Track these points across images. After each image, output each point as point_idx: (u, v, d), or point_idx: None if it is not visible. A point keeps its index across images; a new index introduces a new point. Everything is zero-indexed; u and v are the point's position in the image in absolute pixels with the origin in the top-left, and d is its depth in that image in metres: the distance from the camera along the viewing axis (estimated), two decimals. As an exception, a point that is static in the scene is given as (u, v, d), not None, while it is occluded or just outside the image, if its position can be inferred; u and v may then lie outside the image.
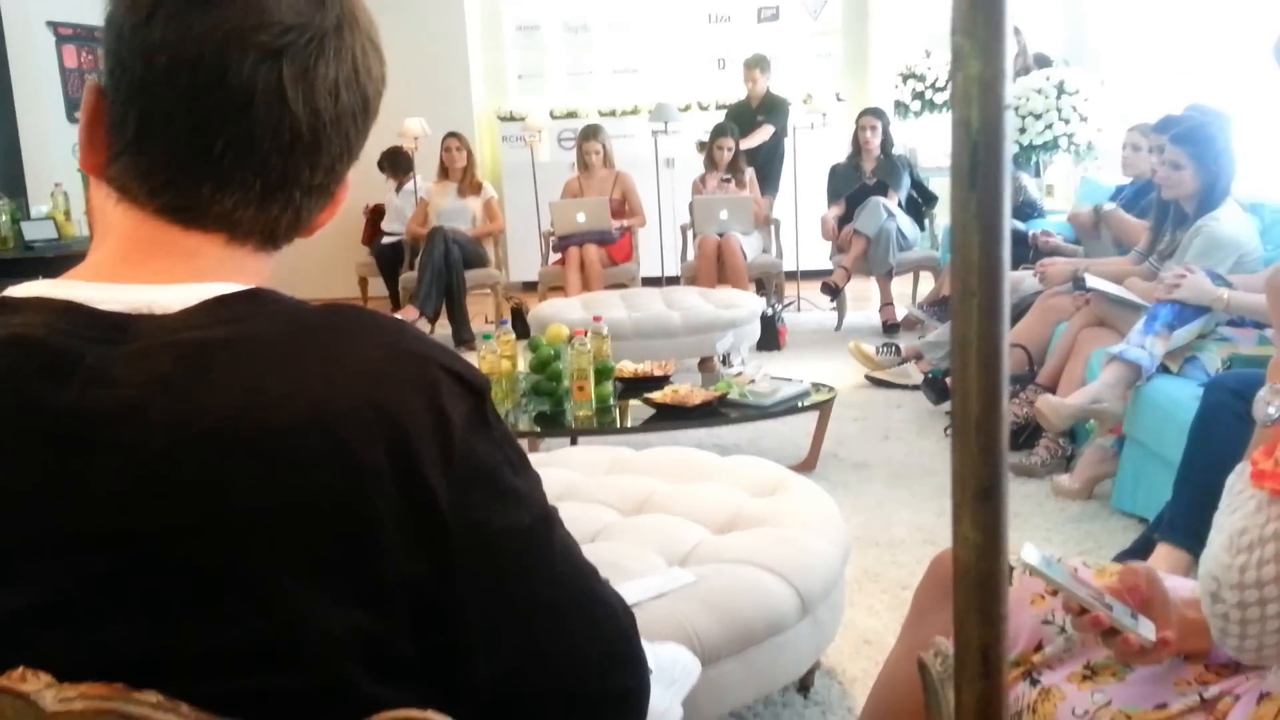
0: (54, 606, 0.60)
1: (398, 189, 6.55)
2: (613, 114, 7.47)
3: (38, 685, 0.58)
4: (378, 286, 6.55)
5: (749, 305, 4.55)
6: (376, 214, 6.40)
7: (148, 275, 0.67)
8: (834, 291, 5.46)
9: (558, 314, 4.29)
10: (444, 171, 5.95)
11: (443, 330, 5.80)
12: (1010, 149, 0.37)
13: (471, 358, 3.66)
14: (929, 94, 6.99)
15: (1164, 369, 2.75)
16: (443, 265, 5.47)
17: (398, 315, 5.82)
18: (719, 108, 7.22)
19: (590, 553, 0.79)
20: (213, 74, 0.64)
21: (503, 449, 0.70)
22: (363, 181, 6.70)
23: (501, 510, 0.68)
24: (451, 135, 5.91)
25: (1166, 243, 3.29)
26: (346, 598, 0.62)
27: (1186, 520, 2.09)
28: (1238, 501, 1.02)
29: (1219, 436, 2.03)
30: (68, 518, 0.60)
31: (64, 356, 0.62)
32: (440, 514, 0.64)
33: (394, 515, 0.62)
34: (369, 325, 0.66)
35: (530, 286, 6.61)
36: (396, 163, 6.56)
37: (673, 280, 5.98)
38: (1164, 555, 2.17)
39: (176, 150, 0.66)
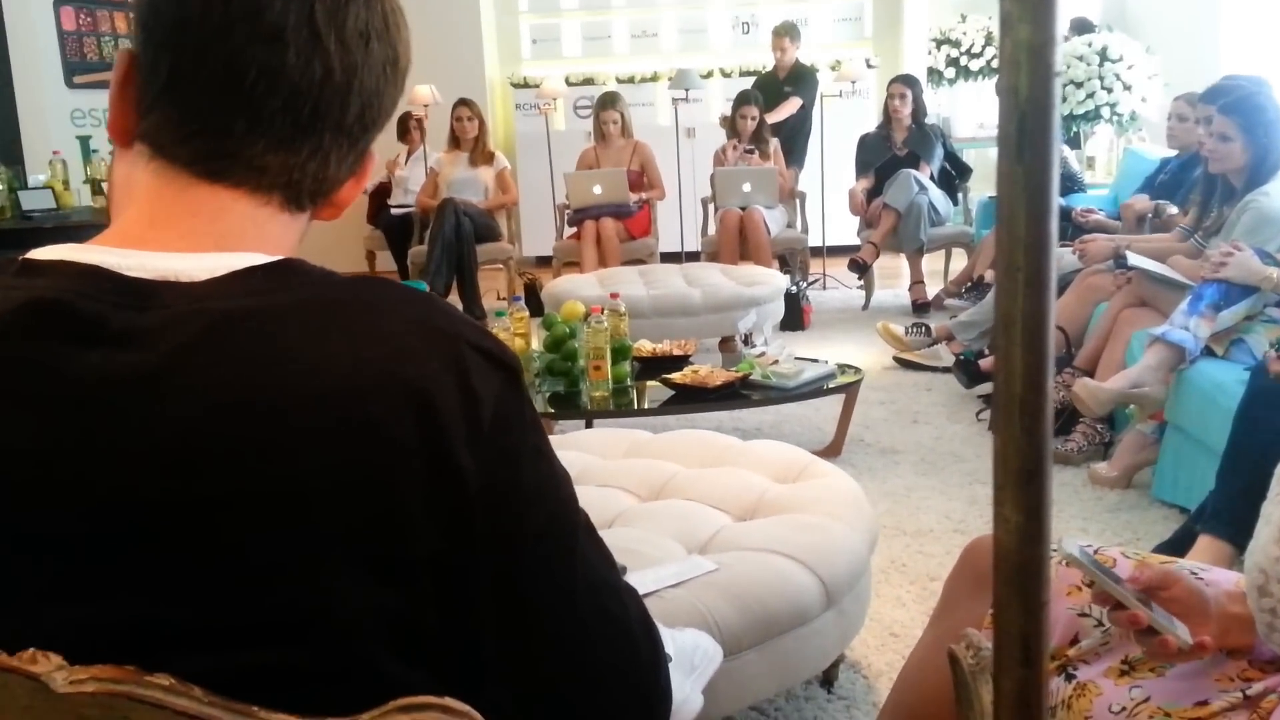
0: (73, 574, 0.61)
1: (407, 157, 6.55)
2: (631, 81, 7.44)
3: (48, 666, 0.59)
4: (385, 260, 6.57)
5: (772, 282, 4.54)
6: (379, 193, 6.43)
7: (174, 241, 0.67)
8: (862, 268, 5.44)
9: (573, 290, 4.29)
10: (455, 141, 5.95)
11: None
12: (1058, 119, 0.37)
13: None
14: (964, 60, 6.94)
15: (1208, 352, 2.73)
16: (453, 238, 5.49)
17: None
18: (744, 74, 7.18)
19: (607, 539, 0.80)
20: (247, 6, 0.66)
21: (534, 433, 0.70)
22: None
23: (527, 497, 0.69)
24: (462, 103, 5.90)
25: (1213, 218, 3.26)
26: (371, 574, 0.63)
27: (1230, 510, 2.08)
28: (1287, 490, 1.02)
29: (1266, 423, 2.02)
30: (90, 485, 0.61)
31: (90, 321, 0.63)
32: (468, 492, 0.65)
33: (420, 492, 0.63)
34: (397, 299, 0.67)
35: (544, 261, 6.61)
36: (406, 129, 6.56)
37: (693, 256, 5.97)
38: (1206, 547, 2.16)
39: (210, 88, 0.67)
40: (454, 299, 5.73)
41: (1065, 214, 4.35)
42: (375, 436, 0.62)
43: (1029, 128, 0.38)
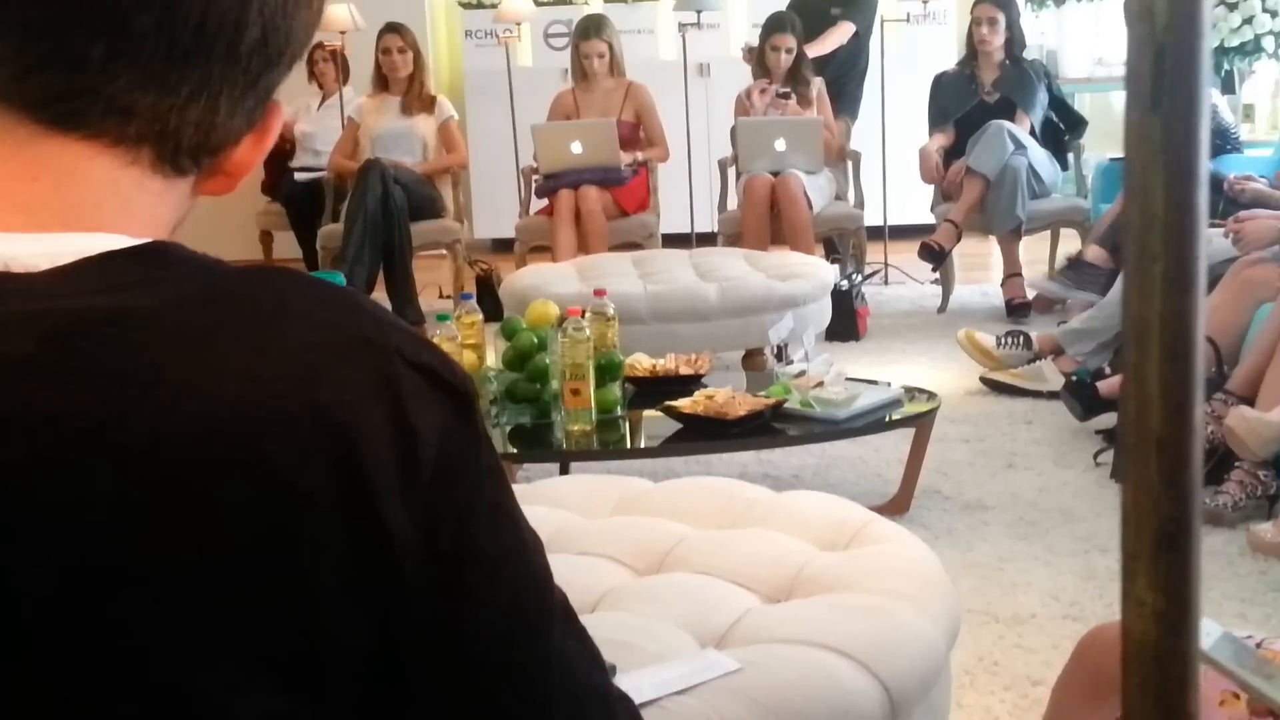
0: None
1: (319, 104, 6.57)
2: (623, 0, 7.47)
3: None
4: (286, 244, 6.58)
5: (815, 275, 4.55)
6: (278, 155, 6.47)
7: (4, 218, 0.67)
8: (938, 256, 5.46)
9: (543, 285, 4.30)
10: (382, 81, 5.98)
11: (378, 307, 5.81)
12: (1208, 53, 0.37)
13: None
14: (1076, -26, 6.98)
15: None
16: (379, 213, 5.50)
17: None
18: (775, -8, 7.22)
19: (591, 627, 0.81)
20: None
21: (490, 480, 0.70)
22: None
23: (482, 572, 0.69)
24: (390, 29, 5.93)
25: None
26: (264, 675, 0.63)
27: None
28: None
29: None
30: None
31: None
32: (396, 564, 0.65)
33: (335, 563, 0.63)
34: (309, 298, 0.68)
35: (504, 246, 6.63)
36: (314, 65, 6.58)
37: (707, 239, 5.99)
38: None
39: (57, 0, 0.67)
40: (380, 296, 5.74)
41: (1215, 183, 4.37)
42: (273, 486, 0.62)
43: (1169, 65, 0.38)
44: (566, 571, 2.13)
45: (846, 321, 5.04)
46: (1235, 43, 5.56)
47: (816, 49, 5.88)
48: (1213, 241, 3.91)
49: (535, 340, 3.34)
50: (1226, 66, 5.71)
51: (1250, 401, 3.18)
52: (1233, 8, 5.57)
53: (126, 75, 0.68)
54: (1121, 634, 0.41)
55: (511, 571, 0.71)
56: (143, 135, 0.70)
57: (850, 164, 5.93)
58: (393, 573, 0.65)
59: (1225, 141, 5.07)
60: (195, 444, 0.62)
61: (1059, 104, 5.72)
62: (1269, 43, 5.54)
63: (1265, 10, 5.55)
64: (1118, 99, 7.31)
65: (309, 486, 0.63)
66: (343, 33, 6.31)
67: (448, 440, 0.67)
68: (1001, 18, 5.57)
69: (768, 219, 5.47)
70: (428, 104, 5.96)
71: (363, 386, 0.65)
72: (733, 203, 5.80)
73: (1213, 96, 5.09)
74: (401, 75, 5.90)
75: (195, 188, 0.75)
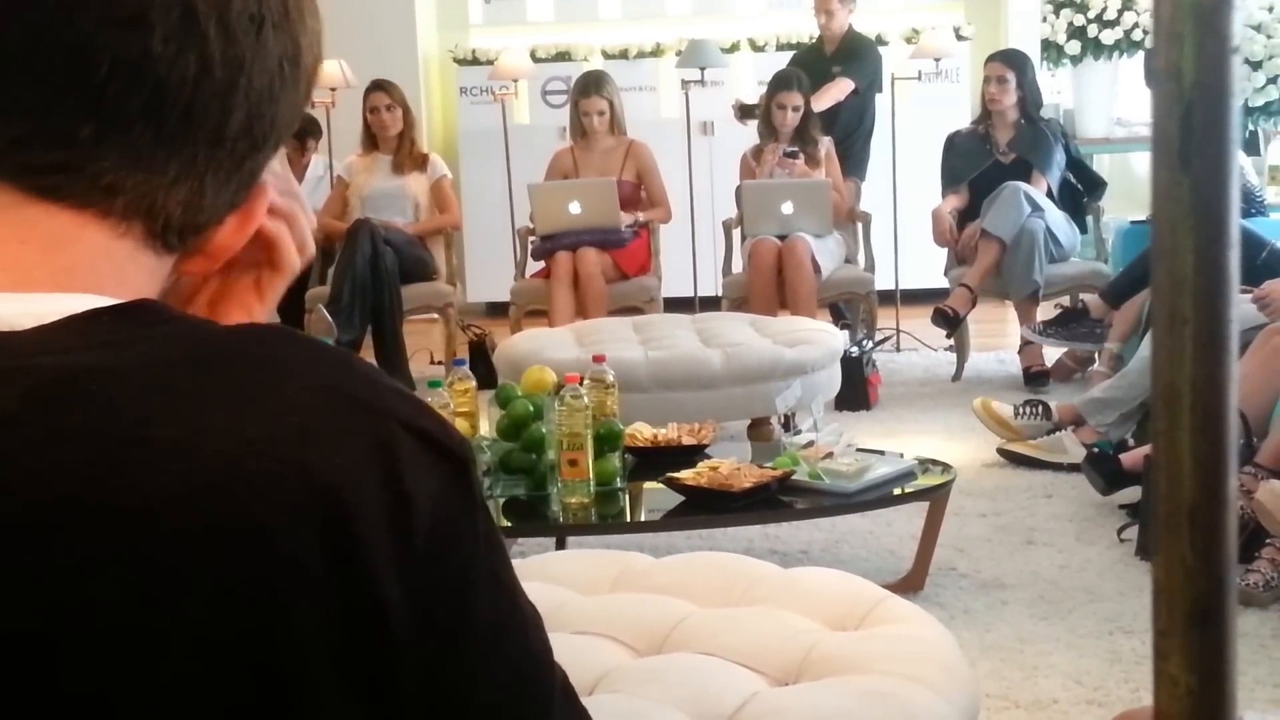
0: None
1: (298, 178, 6.62)
2: (624, 56, 7.56)
3: None
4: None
5: (824, 341, 4.56)
6: None
7: None
8: (952, 322, 5.48)
9: (539, 351, 4.31)
10: (371, 140, 6.03)
11: (366, 374, 5.81)
12: (1238, 111, 0.38)
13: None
14: (1093, 31, 7.07)
15: None
16: (368, 275, 5.52)
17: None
18: (781, 48, 7.31)
19: (589, 710, 0.80)
20: None
21: (488, 550, 0.70)
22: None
23: (481, 647, 0.69)
24: (377, 87, 5.98)
25: None
26: None
27: None
28: None
29: None
30: None
31: None
32: (394, 638, 0.65)
33: (326, 636, 0.63)
34: (302, 358, 0.68)
35: (498, 310, 6.65)
36: (304, 130, 6.65)
37: (711, 303, 6.01)
38: None
39: (47, 79, 0.68)
40: (369, 361, 5.74)
41: (1254, 245, 4.39)
42: (262, 553, 0.62)
43: (1197, 123, 0.39)
44: (563, 651, 2.11)
45: (857, 390, 5.05)
46: (1260, 103, 5.62)
47: (814, 105, 5.93)
48: (1239, 307, 3.93)
49: (531, 408, 3.34)
50: (1251, 127, 5.77)
51: (1280, 475, 3.18)
52: (1257, 66, 5.64)
53: (114, 155, 0.69)
54: (1154, 716, 0.41)
55: (510, 646, 0.71)
56: (130, 210, 0.71)
57: (860, 226, 5.97)
58: (386, 646, 0.65)
59: (1251, 204, 5.10)
60: (181, 506, 0.62)
61: (1077, 165, 5.77)
62: (1294, 102, 5.60)
63: (1290, 69, 5.61)
64: (1138, 160, 7.38)
65: (299, 553, 0.63)
66: (333, 90, 6.38)
67: (444, 508, 0.67)
68: (1012, 76, 5.62)
69: (775, 283, 5.49)
70: (419, 162, 6.00)
71: (356, 450, 0.65)
72: (737, 265, 5.83)
73: (1240, 158, 5.14)
74: (391, 133, 5.95)
75: (176, 267, 0.76)
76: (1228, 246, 0.39)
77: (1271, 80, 5.57)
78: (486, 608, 0.69)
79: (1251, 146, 5.63)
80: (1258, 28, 5.64)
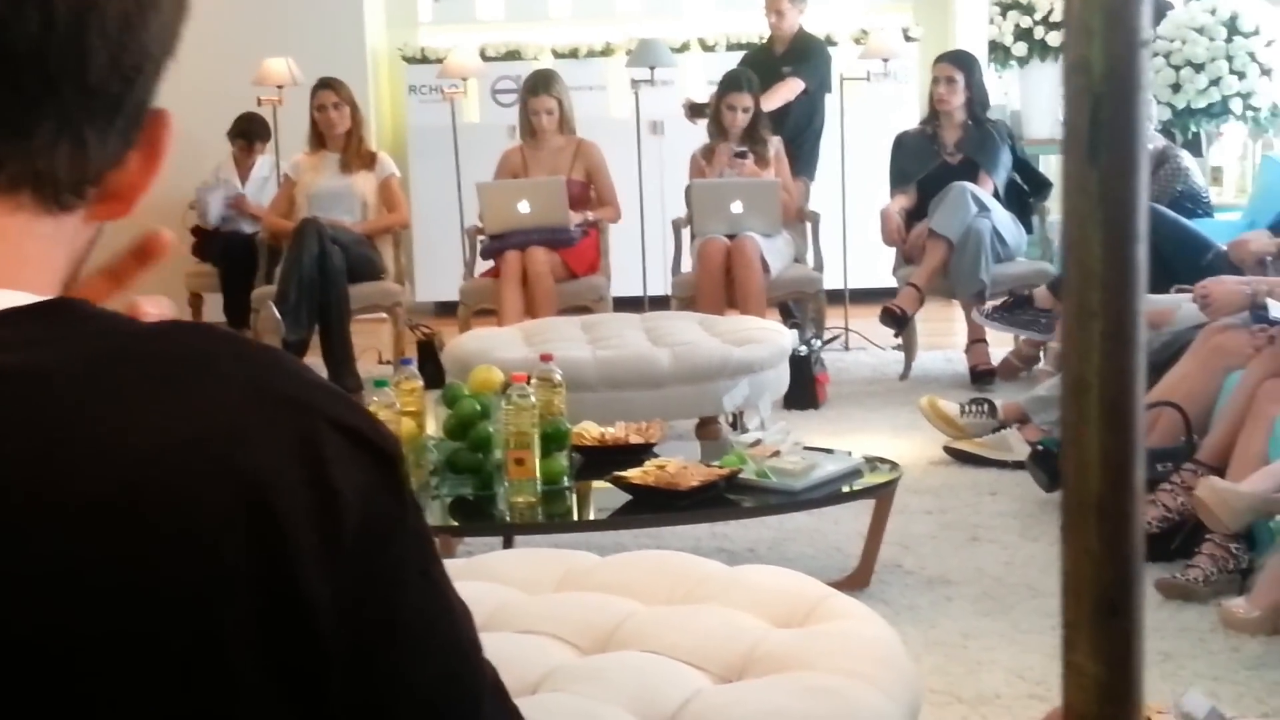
0: None
1: (243, 178, 6.58)
2: (574, 55, 7.54)
3: None
4: (218, 306, 6.55)
5: (772, 340, 4.57)
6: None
7: None
8: (899, 321, 5.51)
9: (487, 351, 4.29)
10: (318, 138, 5.99)
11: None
12: (1151, 107, 0.38)
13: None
14: (1040, 32, 7.12)
15: (1385, 441, 2.79)
16: (315, 274, 5.49)
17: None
18: (731, 48, 7.32)
19: (532, 710, 0.80)
20: None
21: (417, 547, 0.70)
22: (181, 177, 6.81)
23: (410, 648, 0.68)
24: (325, 85, 5.94)
25: (1387, 255, 3.36)
26: None
27: None
28: None
29: None
30: None
31: None
32: (320, 636, 0.64)
33: (250, 633, 0.63)
34: (226, 354, 0.67)
35: (447, 309, 6.63)
36: (251, 131, 6.61)
37: (660, 303, 6.01)
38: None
39: None
40: (315, 361, 5.71)
41: (1199, 246, 4.44)
42: (189, 552, 0.62)
43: (1106, 119, 0.39)
44: (507, 650, 2.12)
45: (805, 388, 5.06)
46: (1202, 104, 5.68)
47: (764, 104, 5.94)
48: (1182, 308, 3.97)
49: (478, 408, 3.33)
50: (1194, 129, 5.83)
51: (1220, 471, 3.22)
52: (1200, 69, 5.70)
53: None
54: (1063, 707, 0.41)
55: (440, 642, 0.71)
56: (14, 183, 0.69)
57: (809, 225, 5.99)
58: (314, 644, 0.64)
59: (1197, 205, 5.16)
60: (106, 507, 0.61)
61: (1023, 165, 5.81)
62: (1236, 105, 5.66)
63: (1232, 72, 5.67)
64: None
65: (225, 552, 0.62)
66: (280, 87, 6.33)
67: (372, 505, 0.67)
68: (960, 77, 5.66)
69: (723, 283, 5.50)
70: (367, 161, 5.96)
71: (283, 447, 0.65)
72: (687, 265, 5.83)
73: (1182, 158, 5.20)
74: (338, 132, 5.91)
75: (88, 217, 0.74)
76: (1136, 240, 0.40)
77: (1214, 82, 5.63)
78: (416, 604, 0.69)
79: (1194, 148, 5.69)
80: (1200, 30, 5.70)
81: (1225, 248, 4.31)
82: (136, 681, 0.61)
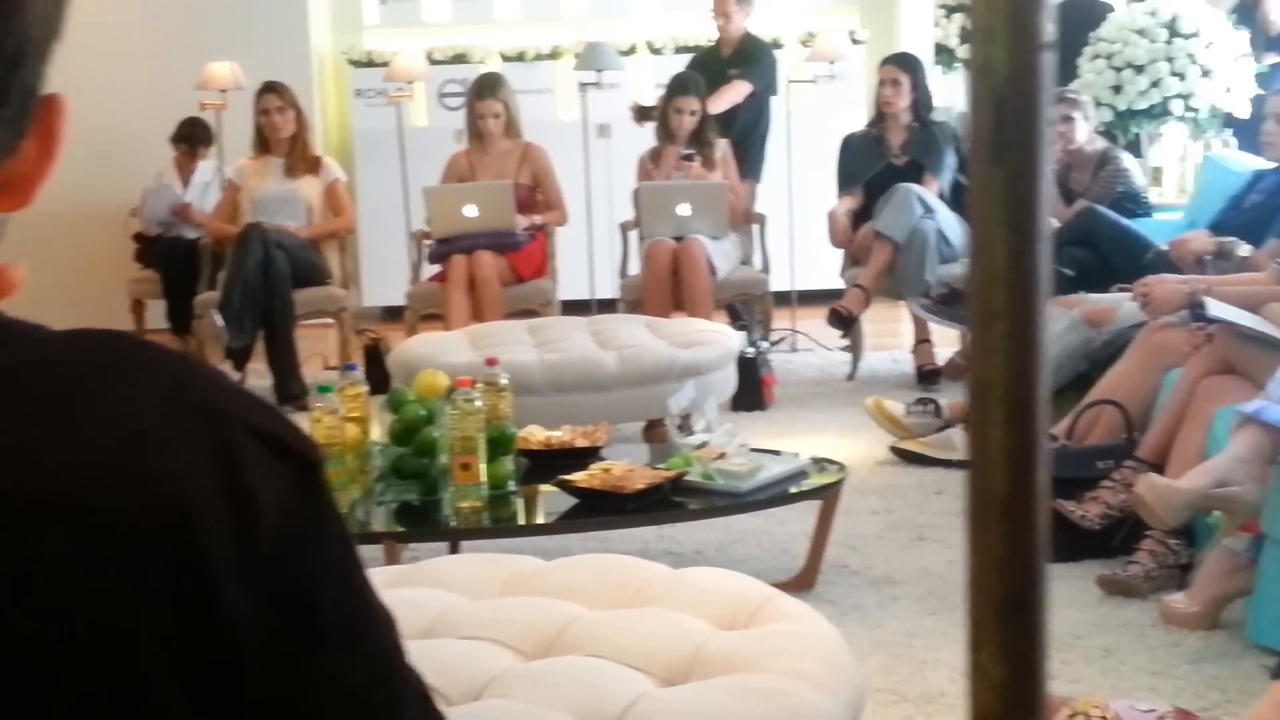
0: None
1: (186, 183, 6.52)
2: (521, 59, 7.53)
3: None
4: (161, 313, 6.49)
5: (719, 342, 4.58)
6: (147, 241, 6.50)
7: None
8: (846, 322, 5.53)
9: (433, 355, 4.28)
10: (263, 143, 5.94)
11: (259, 382, 5.73)
12: (1051, 107, 0.38)
13: (302, 421, 3.62)
14: (983, 36, 7.18)
15: (1320, 437, 2.82)
16: (259, 280, 5.44)
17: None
18: (679, 50, 7.32)
19: (474, 716, 0.79)
20: None
21: (337, 553, 0.69)
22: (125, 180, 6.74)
23: (330, 655, 0.68)
24: (269, 89, 5.89)
25: (1322, 253, 3.40)
26: None
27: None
28: None
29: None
30: None
31: None
32: (237, 645, 0.63)
33: (166, 643, 0.62)
34: (139, 362, 0.66)
35: (395, 314, 6.59)
36: (194, 136, 6.55)
37: (608, 306, 6.01)
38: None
39: None
40: (260, 367, 5.66)
41: (1139, 246, 4.48)
42: (101, 562, 0.61)
43: (1009, 119, 0.39)
44: (451, 657, 2.11)
45: (752, 390, 5.07)
46: (1143, 106, 5.73)
47: (710, 107, 5.96)
48: (1122, 307, 4.01)
49: (423, 413, 3.32)
50: (1135, 130, 5.89)
51: (1160, 468, 3.25)
52: (1140, 70, 5.75)
53: None
54: (969, 709, 0.41)
55: (361, 650, 0.70)
56: None
57: (756, 227, 6.00)
58: (230, 653, 0.63)
59: (1137, 205, 5.21)
60: (18, 516, 0.60)
61: (967, 167, 5.83)
62: (1176, 106, 5.72)
63: (1173, 74, 5.73)
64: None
65: (138, 562, 0.61)
66: (224, 91, 6.28)
67: (291, 511, 0.66)
68: (905, 79, 5.69)
69: (670, 285, 5.50)
70: (312, 165, 5.92)
71: (197, 454, 0.64)
72: (634, 267, 5.83)
73: (1125, 160, 5.25)
74: (283, 136, 5.86)
75: None
76: (1039, 241, 0.40)
77: (1154, 84, 5.69)
78: (336, 612, 0.68)
79: (1135, 149, 5.75)
80: (1141, 32, 5.75)
81: (1165, 247, 4.35)
82: (48, 690, 0.60)
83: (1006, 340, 0.39)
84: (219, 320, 5.32)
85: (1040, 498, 0.40)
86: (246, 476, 0.64)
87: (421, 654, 2.11)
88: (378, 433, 3.51)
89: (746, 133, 6.24)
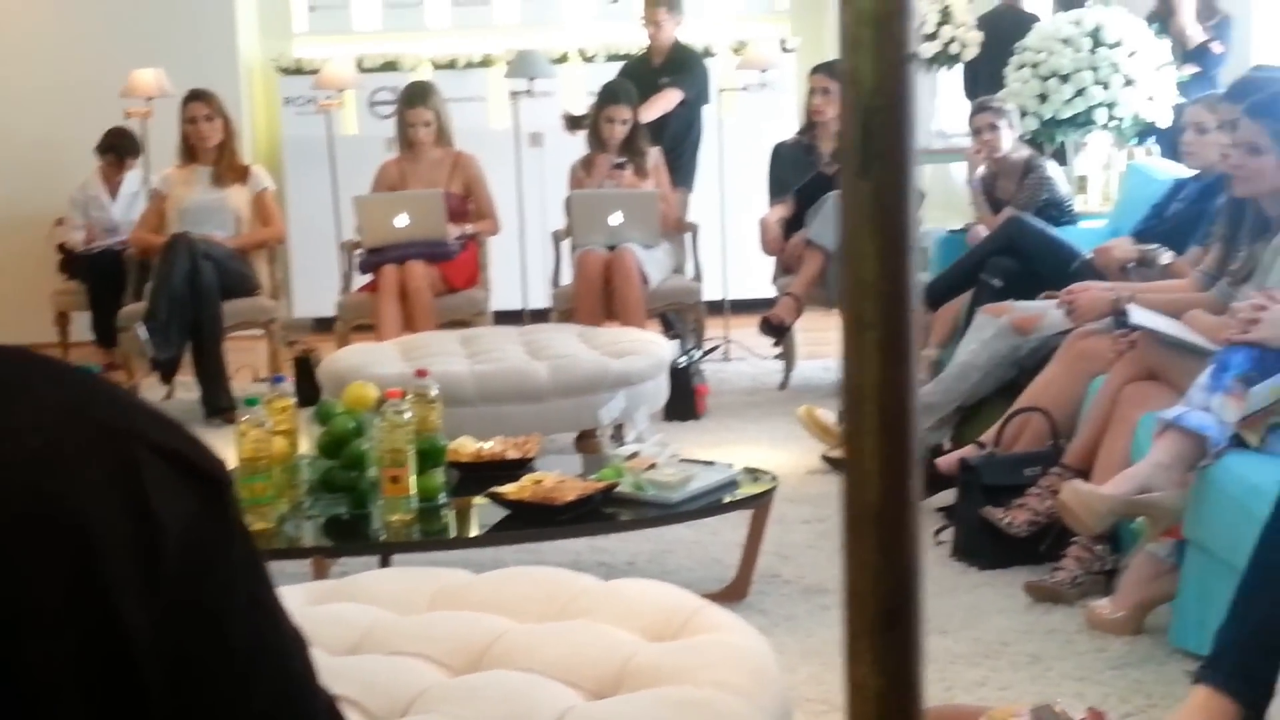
0: None
1: (113, 194, 6.44)
2: (452, 66, 7.50)
3: None
4: (85, 324, 6.40)
5: (651, 352, 4.59)
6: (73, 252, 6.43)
7: None
8: (778, 331, 5.55)
9: (364, 366, 4.25)
10: (190, 152, 5.87)
11: (187, 394, 5.67)
12: (917, 118, 0.38)
13: (229, 435, 3.58)
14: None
15: (1238, 441, 2.86)
16: (186, 291, 5.37)
17: (112, 369, 5.69)
18: (611, 58, 7.33)
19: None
20: None
21: (245, 574, 0.69)
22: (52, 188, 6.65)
23: (236, 678, 0.67)
24: (195, 97, 5.82)
25: (1241, 260, 3.46)
26: None
27: (1240, 655, 2.17)
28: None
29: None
30: None
31: None
32: (137, 666, 0.63)
33: (66, 666, 0.61)
34: (40, 378, 0.66)
35: (326, 325, 6.54)
36: (120, 146, 6.47)
37: (541, 315, 6.00)
38: (1203, 704, 2.24)
39: None
40: (188, 380, 5.59)
41: (1065, 254, 4.53)
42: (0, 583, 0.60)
43: (877, 130, 0.39)
44: (377, 672, 2.09)
45: (685, 400, 5.08)
46: (1068, 115, 5.81)
47: (642, 115, 5.97)
48: (1048, 315, 4.05)
49: (352, 425, 3.29)
50: (1060, 138, 5.96)
51: (1086, 474, 3.28)
52: (1065, 79, 5.82)
53: None
54: (847, 716, 0.41)
55: (269, 672, 0.70)
56: None
57: (688, 236, 6.01)
58: (132, 676, 0.63)
59: (1061, 213, 5.26)
60: None
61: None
62: (1101, 115, 5.79)
63: (1097, 82, 5.81)
64: (958, 170, 7.57)
65: (37, 583, 0.61)
66: (149, 99, 6.21)
67: (196, 531, 0.66)
68: (836, 88, 5.72)
69: (602, 294, 5.50)
70: (240, 174, 5.86)
71: (98, 473, 0.63)
72: (566, 277, 5.82)
73: (1046, 168, 5.31)
74: (210, 144, 5.80)
75: None
76: (908, 252, 0.40)
77: (1079, 93, 5.76)
78: (243, 633, 0.68)
79: (1060, 157, 5.82)
80: (1066, 41, 5.83)
81: (1090, 255, 4.41)
82: None
83: (878, 350, 0.40)
84: (143, 333, 5.25)
85: (914, 508, 0.40)
86: (149, 496, 0.64)
87: (347, 670, 2.09)
88: (307, 445, 3.48)
89: (678, 141, 6.25)
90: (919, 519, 0.40)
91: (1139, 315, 3.38)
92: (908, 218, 0.40)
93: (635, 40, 6.86)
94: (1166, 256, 4.03)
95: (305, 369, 5.40)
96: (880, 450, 0.40)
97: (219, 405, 5.40)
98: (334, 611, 2.32)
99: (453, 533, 3.27)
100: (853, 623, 0.40)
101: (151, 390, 5.73)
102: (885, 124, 0.39)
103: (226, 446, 3.18)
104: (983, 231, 5.12)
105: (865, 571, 0.40)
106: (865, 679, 0.40)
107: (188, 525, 0.65)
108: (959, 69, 7.36)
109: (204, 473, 0.67)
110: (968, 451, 3.77)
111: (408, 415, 3.15)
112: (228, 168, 5.83)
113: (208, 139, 5.79)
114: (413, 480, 3.15)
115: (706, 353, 5.83)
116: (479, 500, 3.28)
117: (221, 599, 0.67)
